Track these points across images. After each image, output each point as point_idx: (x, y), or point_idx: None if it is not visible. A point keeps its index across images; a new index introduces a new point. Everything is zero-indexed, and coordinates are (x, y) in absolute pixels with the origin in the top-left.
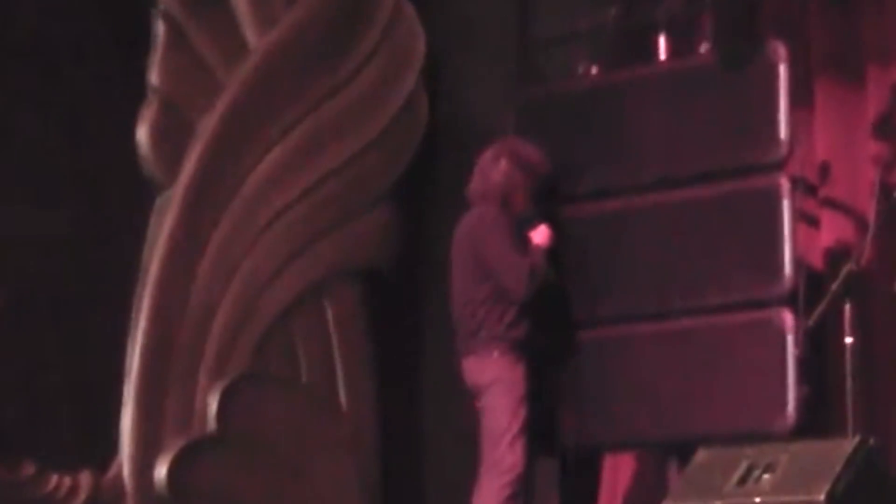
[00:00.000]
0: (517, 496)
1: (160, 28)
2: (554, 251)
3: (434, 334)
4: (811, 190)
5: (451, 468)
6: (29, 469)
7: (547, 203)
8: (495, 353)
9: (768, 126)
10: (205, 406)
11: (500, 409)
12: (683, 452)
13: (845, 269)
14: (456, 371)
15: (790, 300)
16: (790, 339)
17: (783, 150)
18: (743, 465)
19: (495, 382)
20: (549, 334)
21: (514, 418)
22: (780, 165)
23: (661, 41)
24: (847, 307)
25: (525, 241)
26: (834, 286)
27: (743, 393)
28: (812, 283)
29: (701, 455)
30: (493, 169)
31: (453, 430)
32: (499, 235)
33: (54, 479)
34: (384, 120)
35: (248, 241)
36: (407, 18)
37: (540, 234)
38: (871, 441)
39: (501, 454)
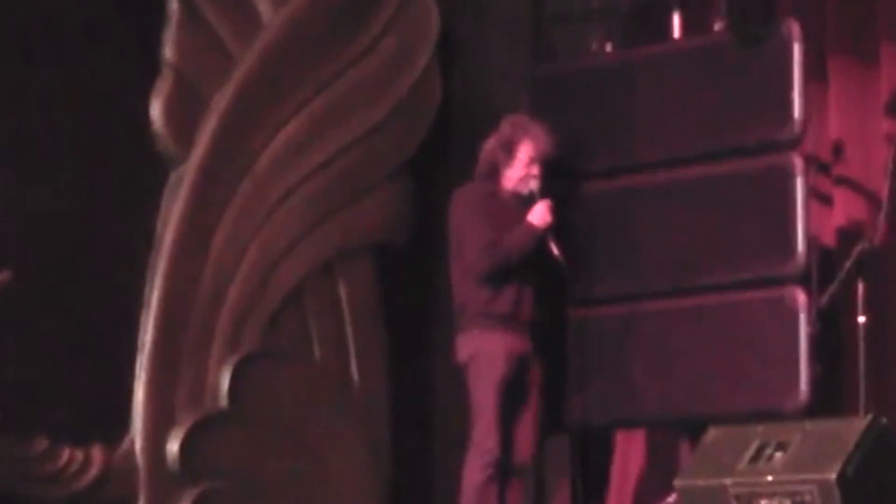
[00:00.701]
0: (495, 479)
1: (174, 3)
2: (561, 229)
3: (446, 310)
4: (824, 168)
5: (462, 444)
6: (41, 444)
7: (561, 181)
8: (476, 330)
9: (782, 104)
10: (217, 381)
11: (478, 389)
12: (695, 430)
13: (858, 248)
14: None
15: (803, 278)
16: (803, 317)
17: (797, 128)
18: (755, 444)
19: (473, 360)
20: (550, 312)
21: (490, 401)
22: (793, 144)
23: (676, 19)
24: (860, 286)
25: (512, 219)
26: (847, 265)
27: (755, 371)
28: (825, 262)
29: (712, 433)
30: (485, 146)
31: (465, 406)
32: (467, 210)
33: (66, 453)
34: (397, 96)
35: (261, 216)
36: None
37: (535, 214)
38: (884, 420)
39: (481, 436)
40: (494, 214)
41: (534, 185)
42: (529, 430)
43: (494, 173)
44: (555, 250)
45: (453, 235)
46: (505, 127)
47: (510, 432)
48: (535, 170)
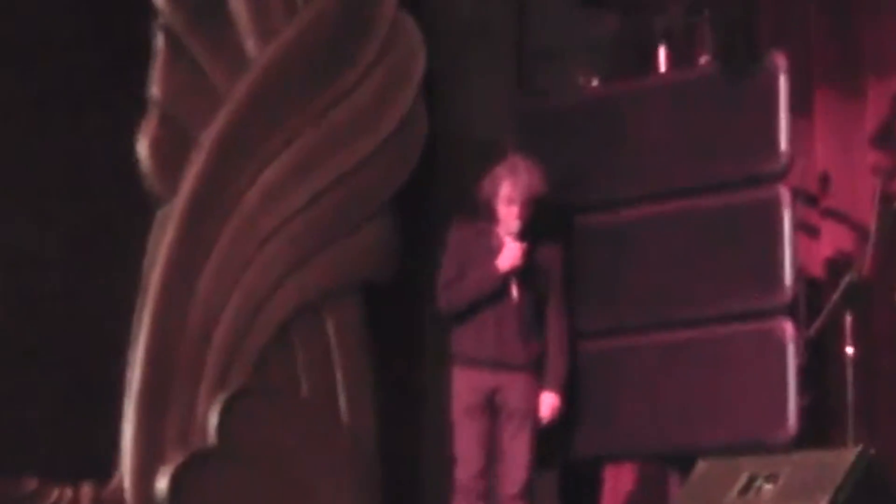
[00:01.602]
0: None
1: (160, 41)
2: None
3: (434, 346)
4: (811, 200)
5: (449, 468)
6: (31, 483)
7: (548, 215)
8: (454, 368)
9: (768, 137)
10: (205, 419)
11: (454, 426)
12: (684, 464)
13: (846, 280)
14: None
15: (791, 310)
16: (791, 349)
17: (783, 160)
18: (744, 476)
19: (453, 397)
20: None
21: (460, 438)
22: (780, 176)
23: (661, 52)
24: (848, 317)
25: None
26: (834, 296)
27: (744, 403)
28: (813, 294)
29: (702, 466)
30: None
31: (450, 432)
32: (445, 246)
33: (56, 492)
34: (384, 133)
35: (248, 254)
36: (406, 31)
37: (503, 255)
38: (873, 451)
39: (458, 473)
40: (480, 252)
41: (514, 225)
42: (513, 464)
43: (492, 211)
44: (514, 294)
45: None
46: (497, 166)
47: (498, 468)
48: (514, 210)
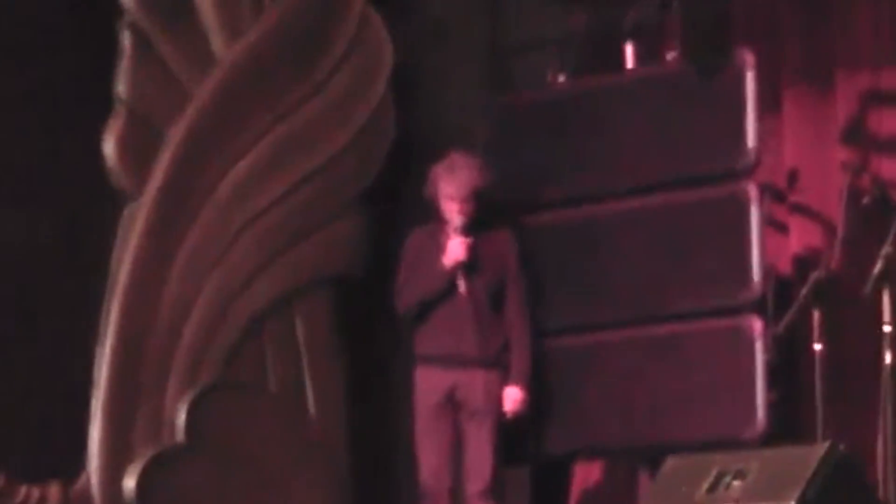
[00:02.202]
0: None
1: (127, 39)
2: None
3: (403, 343)
4: (780, 196)
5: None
6: None
7: (518, 211)
8: (417, 369)
9: (736, 133)
10: (175, 416)
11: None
12: (654, 460)
13: (814, 276)
14: None
15: (759, 307)
16: (759, 345)
17: (751, 157)
18: (713, 473)
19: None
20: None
21: (420, 438)
22: (748, 172)
23: (629, 49)
24: (816, 314)
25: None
26: (803, 292)
27: (712, 400)
28: (781, 290)
29: (671, 463)
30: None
31: None
32: (402, 250)
33: (23, 490)
34: (353, 129)
35: (218, 250)
36: (374, 28)
37: (448, 252)
38: (842, 447)
39: (422, 476)
40: (431, 252)
41: (457, 221)
42: (477, 462)
43: (437, 211)
44: (461, 289)
45: None
46: (437, 165)
47: (463, 466)
48: (456, 206)
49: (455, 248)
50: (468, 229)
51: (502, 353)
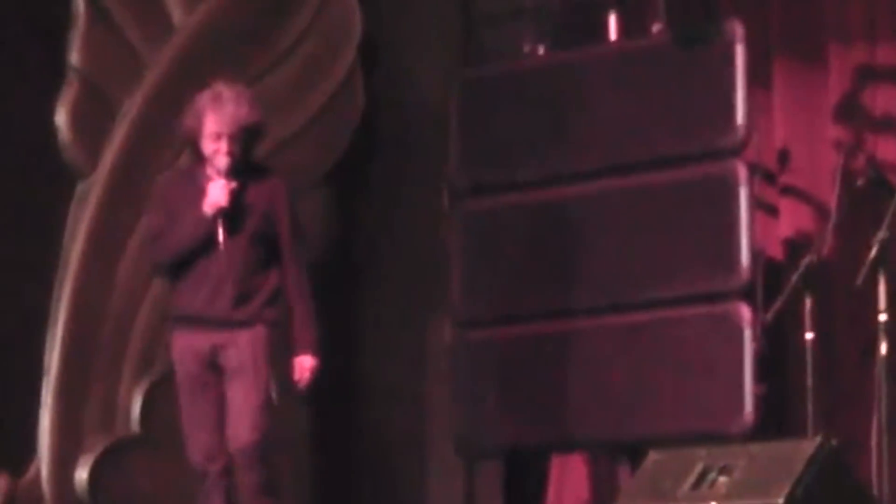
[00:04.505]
0: (217, 485)
1: (80, 4)
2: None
3: (370, 325)
4: (769, 177)
5: (390, 459)
6: None
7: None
8: (173, 333)
9: (724, 110)
10: (128, 405)
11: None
12: (635, 454)
13: (805, 261)
14: (394, 359)
15: (747, 293)
16: (747, 334)
17: (740, 134)
18: (697, 468)
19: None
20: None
21: (183, 411)
22: (736, 151)
23: (612, 19)
24: (807, 300)
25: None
26: (793, 278)
27: (698, 391)
28: (770, 275)
29: (653, 457)
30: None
31: (392, 421)
32: (152, 197)
33: None
34: (320, 100)
35: None
36: None
37: (208, 196)
38: (833, 441)
39: (188, 453)
40: (189, 197)
41: (221, 162)
42: (241, 428)
43: (198, 151)
44: (220, 238)
45: None
46: (198, 98)
47: (227, 432)
48: (223, 146)
49: (216, 193)
50: (233, 173)
51: (267, 308)
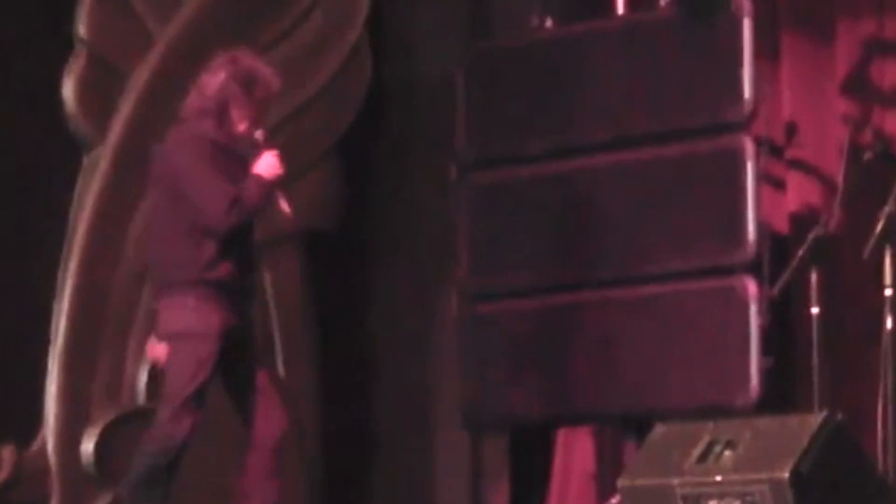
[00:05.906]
0: (161, 469)
1: None
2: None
3: (379, 299)
4: (777, 151)
5: (396, 433)
6: None
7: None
8: (190, 300)
9: (731, 83)
10: (134, 377)
11: (182, 370)
12: (641, 428)
13: (812, 235)
14: (401, 332)
15: (754, 267)
16: (753, 308)
17: (747, 108)
18: (703, 442)
19: (182, 337)
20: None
21: (191, 385)
22: (743, 125)
23: None
24: (814, 275)
25: (241, 167)
26: (800, 252)
27: (704, 365)
28: (777, 249)
29: (659, 430)
30: (211, 81)
31: (398, 394)
32: (197, 156)
33: None
34: (327, 74)
35: None
36: None
37: (264, 165)
38: (839, 416)
39: (164, 419)
40: (223, 164)
41: (261, 133)
42: (272, 407)
43: (224, 114)
44: (285, 207)
45: (171, 182)
46: (240, 61)
47: (252, 416)
48: (262, 117)
49: (273, 162)
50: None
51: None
